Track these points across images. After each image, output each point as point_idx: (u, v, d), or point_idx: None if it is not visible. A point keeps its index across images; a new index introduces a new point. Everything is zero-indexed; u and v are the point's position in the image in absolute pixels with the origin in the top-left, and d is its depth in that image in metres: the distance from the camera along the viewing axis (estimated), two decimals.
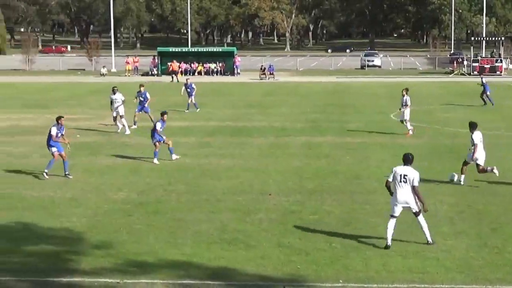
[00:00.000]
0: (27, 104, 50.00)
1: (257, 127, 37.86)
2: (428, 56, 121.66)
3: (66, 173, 24.26)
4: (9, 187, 22.84)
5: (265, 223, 18.61)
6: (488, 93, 47.39)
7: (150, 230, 17.84)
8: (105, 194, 21.86)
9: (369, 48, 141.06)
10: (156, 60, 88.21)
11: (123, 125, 35.61)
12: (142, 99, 37.41)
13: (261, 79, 78.44)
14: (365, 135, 34.30)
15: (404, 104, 34.06)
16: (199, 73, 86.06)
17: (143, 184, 23.34)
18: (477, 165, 23.17)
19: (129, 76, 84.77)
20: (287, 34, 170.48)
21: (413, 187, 16.34)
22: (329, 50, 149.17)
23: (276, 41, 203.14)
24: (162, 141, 27.04)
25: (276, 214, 19.56)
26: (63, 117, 25.33)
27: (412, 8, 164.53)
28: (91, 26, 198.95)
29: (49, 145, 24.60)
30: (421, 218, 16.47)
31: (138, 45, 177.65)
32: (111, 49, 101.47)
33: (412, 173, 16.42)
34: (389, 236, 16.40)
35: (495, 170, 23.07)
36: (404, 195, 16.38)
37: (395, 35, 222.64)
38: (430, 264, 15.40)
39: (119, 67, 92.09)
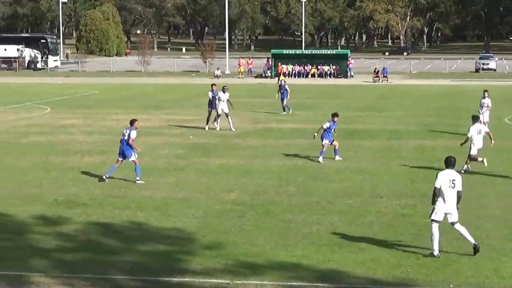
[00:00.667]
0: (142, 105, 50.92)
1: (370, 129, 37.59)
2: None
3: (137, 178, 23.82)
4: (123, 187, 23.28)
5: (375, 226, 18.42)
6: None
7: (260, 232, 17.88)
8: (216, 195, 22.04)
9: (484, 51, 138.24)
10: (270, 62, 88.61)
11: (229, 123, 36.91)
12: (215, 98, 37.80)
13: (374, 82, 77.91)
14: None
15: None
16: (313, 75, 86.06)
17: (255, 186, 23.42)
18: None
19: (242, 78, 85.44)
20: (401, 37, 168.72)
21: (458, 192, 15.86)
22: (387, 53, 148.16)
23: (390, 43, 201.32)
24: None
25: (387, 217, 19.34)
26: (137, 120, 25.24)
27: None
28: (206, 28, 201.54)
29: (127, 149, 24.13)
30: (457, 226, 15.99)
31: (252, 47, 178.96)
32: (225, 51, 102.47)
33: (459, 177, 15.98)
34: (437, 243, 15.79)
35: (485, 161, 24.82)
36: (452, 201, 15.85)
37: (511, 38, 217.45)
38: None
39: (233, 69, 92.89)
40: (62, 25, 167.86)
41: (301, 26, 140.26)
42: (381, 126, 38.79)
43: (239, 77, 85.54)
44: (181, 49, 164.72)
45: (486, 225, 18.41)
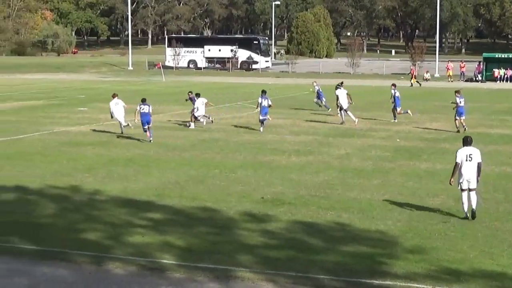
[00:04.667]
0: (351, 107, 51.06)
1: None
2: None
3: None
4: (328, 188, 23.47)
5: None
6: None
7: (465, 238, 17.54)
8: (421, 199, 21.81)
9: None
10: (481, 66, 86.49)
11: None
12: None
13: None
14: None
15: None
16: None
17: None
18: None
19: (451, 81, 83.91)
20: None
21: (478, 163, 19.24)
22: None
23: None
24: None
25: None
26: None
27: None
28: (416, 30, 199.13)
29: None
30: (473, 193, 19.20)
31: (463, 50, 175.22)
32: (435, 54, 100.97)
33: (476, 152, 19.32)
34: (466, 207, 19.23)
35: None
36: (469, 172, 19.16)
37: None
38: None
39: (442, 72, 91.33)
40: (274, 27, 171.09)
41: None
42: None
43: (448, 81, 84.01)
44: (391, 52, 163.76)
45: None
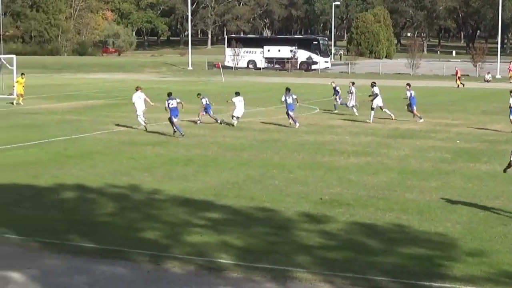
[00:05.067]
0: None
1: None
2: None
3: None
4: (386, 189, 23.33)
5: None
6: None
7: None
8: (481, 201, 21.53)
9: None
10: None
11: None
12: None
13: None
14: None
15: None
16: None
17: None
18: None
19: None
20: None
21: None
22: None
23: None
24: None
25: None
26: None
27: None
28: (478, 31, 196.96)
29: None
30: None
31: None
32: (496, 55, 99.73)
33: None
34: None
35: None
36: None
37: None
38: None
39: (504, 73, 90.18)
40: (334, 27, 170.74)
41: None
42: None
43: (510, 82, 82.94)
44: (451, 53, 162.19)
45: None
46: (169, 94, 36.43)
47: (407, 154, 30.62)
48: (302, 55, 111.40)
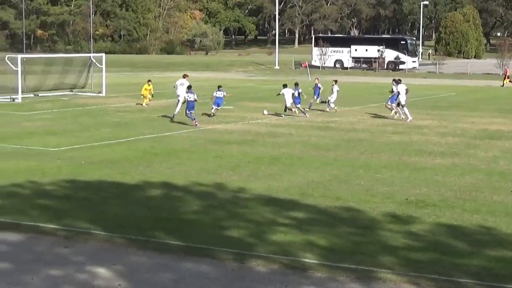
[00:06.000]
0: (498, 108, 50.04)
1: None
2: None
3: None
4: (473, 190, 22.99)
5: None
6: None
7: None
8: None
9: None
10: None
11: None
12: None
13: None
14: None
15: None
16: None
17: None
18: None
19: None
20: None
21: None
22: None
23: None
24: None
25: None
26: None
27: None
28: None
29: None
30: None
31: None
32: None
33: None
34: None
35: None
36: None
37: None
38: None
39: None
40: (422, 27, 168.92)
41: None
42: None
43: None
44: None
45: None
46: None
47: (495, 155, 30.13)
48: (390, 54, 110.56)
